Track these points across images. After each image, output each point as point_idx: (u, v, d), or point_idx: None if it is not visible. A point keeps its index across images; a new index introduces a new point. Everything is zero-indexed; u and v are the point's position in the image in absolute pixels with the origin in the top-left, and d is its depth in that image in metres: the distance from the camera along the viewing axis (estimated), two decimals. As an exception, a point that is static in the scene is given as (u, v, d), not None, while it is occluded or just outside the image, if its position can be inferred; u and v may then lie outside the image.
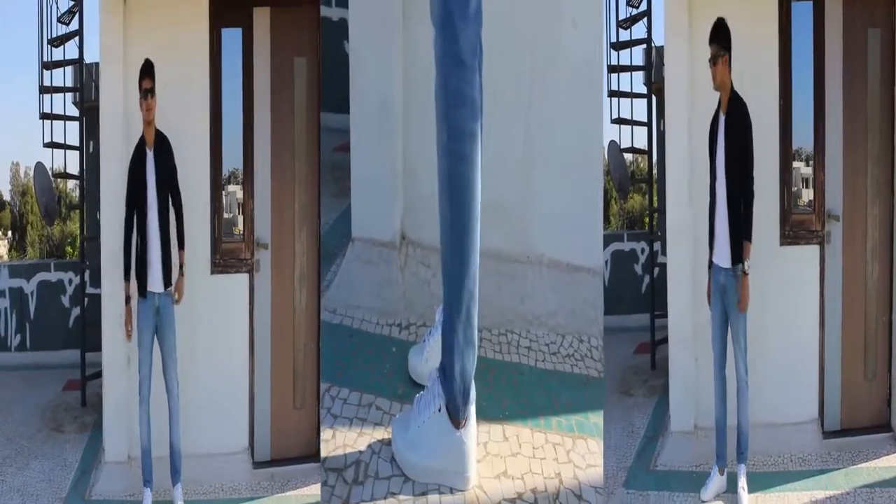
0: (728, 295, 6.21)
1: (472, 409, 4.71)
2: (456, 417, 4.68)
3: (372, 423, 5.04)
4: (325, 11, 8.92)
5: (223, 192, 7.18)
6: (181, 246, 6.57)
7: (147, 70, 6.43)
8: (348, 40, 6.26)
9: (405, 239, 6.33)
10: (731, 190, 6.11)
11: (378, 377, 5.46)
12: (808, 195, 7.07)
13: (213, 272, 7.15)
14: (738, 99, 6.16)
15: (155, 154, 6.41)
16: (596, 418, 5.41)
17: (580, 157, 6.24)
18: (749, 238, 6.11)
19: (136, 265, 6.43)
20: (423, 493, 4.60)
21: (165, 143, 6.49)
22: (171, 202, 6.48)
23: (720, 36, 6.12)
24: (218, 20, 7.10)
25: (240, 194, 7.18)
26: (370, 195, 6.39)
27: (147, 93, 6.39)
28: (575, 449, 5.13)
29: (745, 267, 6.12)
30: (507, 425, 5.05)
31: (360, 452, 4.80)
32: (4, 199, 29.39)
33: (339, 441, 4.87)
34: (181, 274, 6.55)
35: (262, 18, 7.15)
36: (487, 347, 5.81)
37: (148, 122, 6.43)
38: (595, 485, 4.88)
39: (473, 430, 4.72)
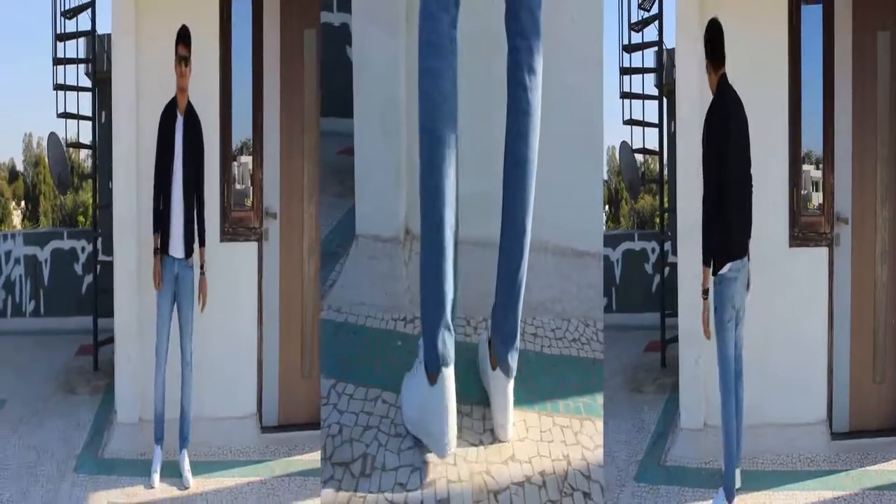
0: None
1: (449, 371, 4.50)
2: (428, 371, 4.51)
3: (378, 416, 4.86)
4: (326, 17, 8.79)
5: (236, 163, 7.05)
6: (202, 243, 6.38)
7: (184, 37, 6.25)
8: (350, 45, 6.14)
9: (409, 234, 6.18)
10: (705, 188, 5.66)
11: (383, 371, 5.28)
12: (818, 199, 6.90)
13: (222, 240, 7.04)
14: (725, 85, 5.75)
15: (185, 121, 6.24)
16: (602, 399, 5.23)
17: (581, 142, 6.08)
18: (705, 261, 5.62)
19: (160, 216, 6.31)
20: (432, 482, 4.42)
21: (195, 116, 6.33)
22: (195, 194, 6.32)
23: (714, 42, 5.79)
24: (228, -9, 6.98)
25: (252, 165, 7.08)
26: (374, 192, 6.20)
27: (182, 60, 6.22)
28: (583, 430, 4.93)
29: (701, 290, 5.67)
30: (514, 411, 4.83)
31: (367, 445, 4.63)
32: (18, 169, 29.40)
33: (345, 435, 4.69)
34: (202, 273, 6.39)
35: (272, -11, 7.01)
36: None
37: (181, 89, 6.26)
38: (603, 464, 4.72)
39: (450, 393, 4.52)
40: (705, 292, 5.66)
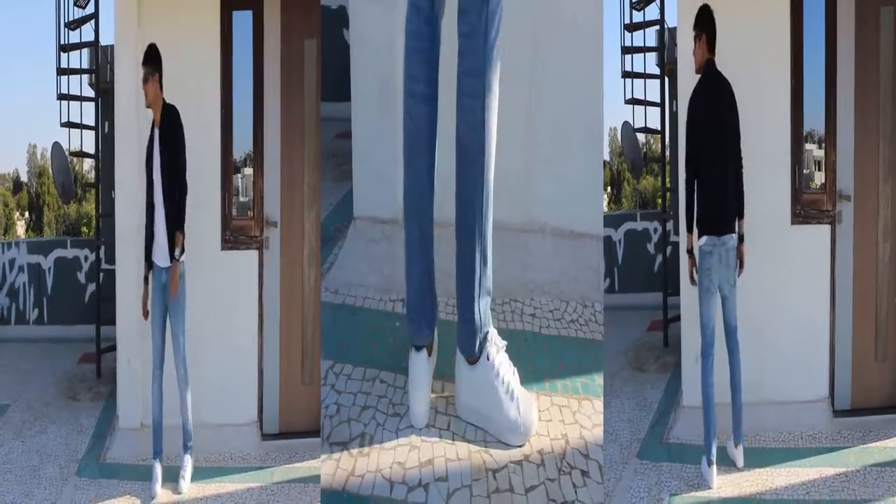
0: None
1: (420, 353, 4.85)
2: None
3: (376, 396, 5.04)
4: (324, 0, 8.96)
5: (240, 175, 7.18)
6: (179, 227, 6.39)
7: (148, 55, 6.39)
8: (347, 28, 6.22)
9: None
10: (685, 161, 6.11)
11: (381, 352, 5.46)
12: (820, 178, 6.99)
13: (223, 248, 7.18)
14: (710, 71, 6.10)
15: (160, 130, 6.35)
16: (601, 380, 5.37)
17: (581, 128, 6.22)
18: (687, 227, 6.13)
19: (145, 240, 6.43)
20: (430, 461, 4.59)
21: (172, 116, 6.40)
22: (175, 191, 6.39)
23: (698, 19, 6.11)
24: (229, 2, 7.13)
25: (255, 175, 7.21)
26: (372, 173, 6.35)
27: (143, 80, 6.36)
28: (581, 410, 5.10)
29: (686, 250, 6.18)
30: None
31: (365, 425, 4.80)
32: (22, 179, 29.54)
33: (343, 416, 4.87)
34: (175, 259, 6.39)
35: (272, 0, 7.15)
36: (491, 316, 5.76)
37: (147, 106, 6.41)
38: (601, 443, 4.85)
39: (423, 364, 4.84)
40: (689, 251, 6.11)
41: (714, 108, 6.05)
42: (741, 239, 6.13)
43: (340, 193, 7.10)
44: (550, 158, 6.18)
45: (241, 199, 7.20)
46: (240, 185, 7.19)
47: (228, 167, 7.18)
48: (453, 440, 4.77)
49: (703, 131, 6.03)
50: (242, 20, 7.16)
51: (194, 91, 6.94)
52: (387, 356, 5.41)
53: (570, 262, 6.28)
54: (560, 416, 5.03)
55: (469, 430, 4.85)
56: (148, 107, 6.42)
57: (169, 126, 6.39)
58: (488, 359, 4.88)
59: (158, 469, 6.59)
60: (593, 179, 6.28)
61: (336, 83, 7.07)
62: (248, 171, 7.21)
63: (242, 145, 7.19)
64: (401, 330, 5.65)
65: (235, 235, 7.21)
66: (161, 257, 6.38)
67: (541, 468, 4.62)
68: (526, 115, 6.22)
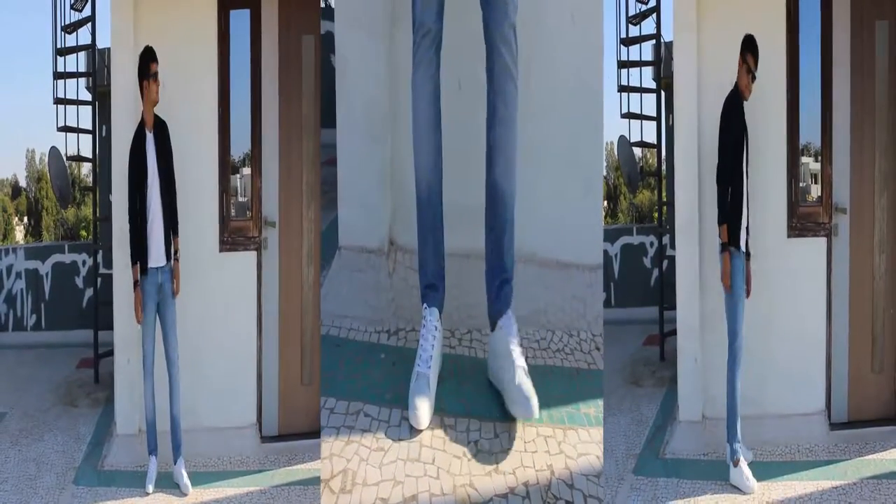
0: None
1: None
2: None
3: (360, 430, 4.87)
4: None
5: (238, 176, 7.12)
6: (175, 233, 6.49)
7: (151, 54, 6.38)
8: (334, 53, 6.19)
9: (393, 245, 6.11)
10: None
11: (366, 385, 5.29)
12: (816, 191, 6.94)
13: (221, 250, 7.10)
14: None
15: (154, 135, 6.35)
16: (587, 409, 5.21)
17: (577, 153, 6.02)
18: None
19: (139, 242, 6.37)
20: (414, 496, 4.46)
21: (164, 126, 6.44)
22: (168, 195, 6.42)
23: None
24: (226, 1, 7.05)
25: (254, 175, 7.12)
26: (358, 201, 6.15)
27: (154, 76, 6.33)
28: (566, 440, 4.96)
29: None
30: (497, 423, 4.90)
31: (348, 461, 4.65)
32: (21, 185, 29.60)
33: (325, 451, 4.73)
34: (175, 259, 6.48)
35: (269, -2, 7.05)
36: (477, 348, 5.66)
37: (153, 103, 6.38)
38: (586, 472, 4.72)
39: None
40: None
41: (729, 118, 6.20)
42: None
43: (326, 221, 7.02)
44: (541, 186, 6.05)
45: (240, 199, 7.15)
46: (238, 185, 7.13)
47: (226, 168, 7.10)
48: (438, 475, 4.63)
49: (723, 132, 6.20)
50: (240, 18, 7.10)
51: (192, 91, 6.90)
52: (371, 389, 5.24)
53: (556, 291, 6.15)
54: (545, 447, 4.90)
55: (454, 464, 4.71)
56: (153, 104, 6.39)
57: (164, 133, 6.44)
58: (503, 328, 5.07)
59: (154, 465, 6.60)
60: (590, 208, 6.09)
61: (323, 109, 6.99)
62: (247, 171, 7.14)
63: (240, 145, 7.13)
64: (386, 362, 5.54)
65: (233, 237, 7.13)
66: (155, 258, 6.38)
67: (526, 500, 4.53)
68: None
